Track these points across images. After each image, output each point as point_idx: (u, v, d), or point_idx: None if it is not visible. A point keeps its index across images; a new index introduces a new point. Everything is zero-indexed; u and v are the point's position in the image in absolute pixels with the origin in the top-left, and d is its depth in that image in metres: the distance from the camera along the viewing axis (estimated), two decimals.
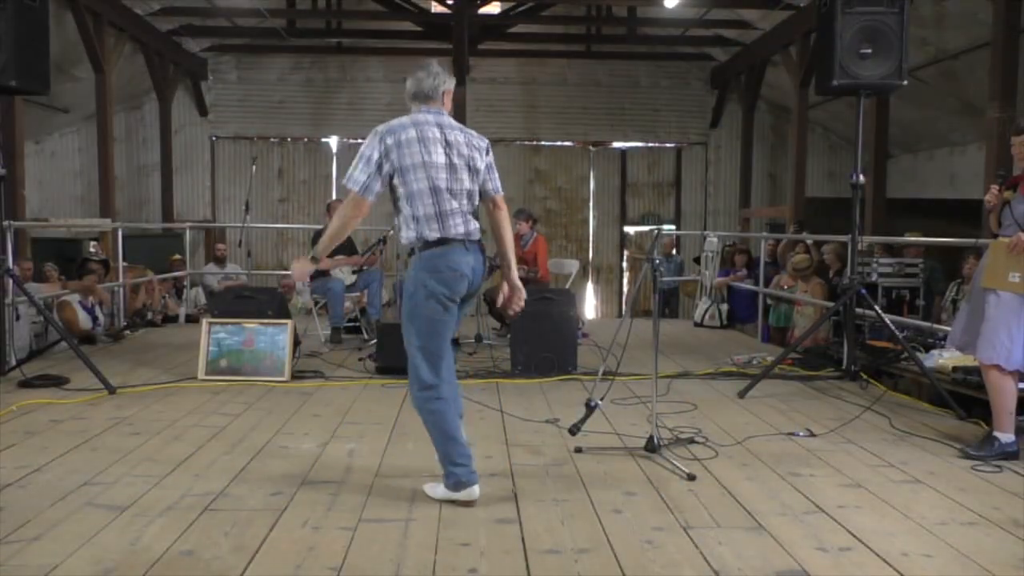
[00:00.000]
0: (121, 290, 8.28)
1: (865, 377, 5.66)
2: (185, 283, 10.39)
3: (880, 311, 5.65)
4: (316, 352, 6.78)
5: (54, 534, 2.86)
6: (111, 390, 5.15)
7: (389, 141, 3.25)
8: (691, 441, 4.15)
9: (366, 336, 7.51)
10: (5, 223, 5.75)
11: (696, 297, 10.22)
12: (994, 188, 4.10)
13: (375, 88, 15.10)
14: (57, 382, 5.38)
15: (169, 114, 14.02)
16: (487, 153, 3.45)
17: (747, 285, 9.06)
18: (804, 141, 11.95)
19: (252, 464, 3.73)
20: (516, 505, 3.23)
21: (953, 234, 7.23)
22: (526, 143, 15.57)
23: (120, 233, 8.52)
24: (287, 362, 5.68)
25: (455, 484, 3.22)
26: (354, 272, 7.69)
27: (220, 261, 11.14)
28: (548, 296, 6.33)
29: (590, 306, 15.50)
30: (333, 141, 15.38)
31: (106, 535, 2.86)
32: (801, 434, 4.36)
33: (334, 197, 14.32)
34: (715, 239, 9.92)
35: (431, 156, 3.26)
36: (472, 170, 3.36)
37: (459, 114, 11.35)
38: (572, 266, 9.55)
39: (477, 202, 3.41)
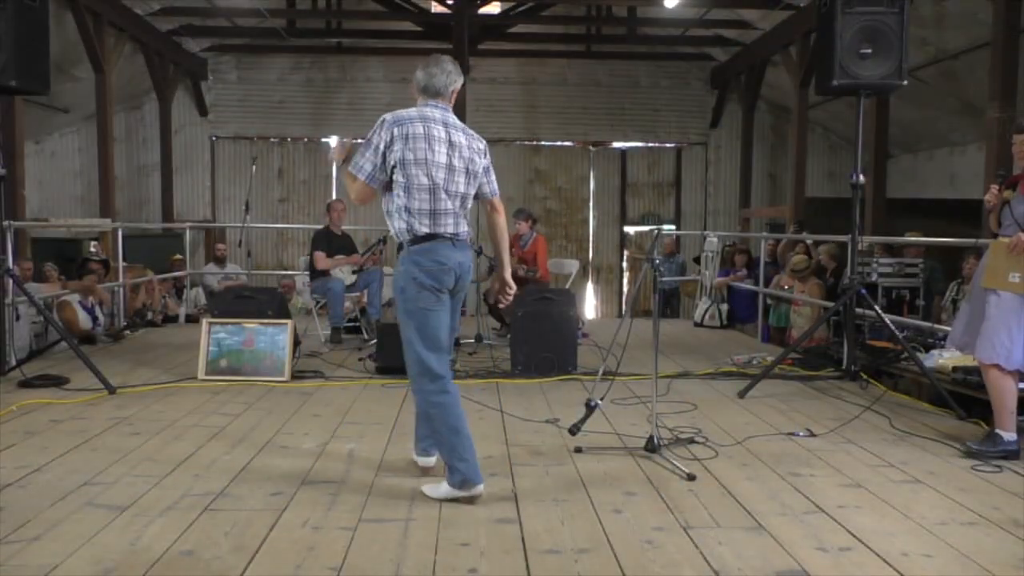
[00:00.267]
0: (121, 290, 8.29)
1: (865, 377, 5.65)
2: (185, 283, 10.39)
3: (880, 311, 5.65)
4: (316, 352, 6.78)
5: (54, 534, 2.86)
6: (111, 390, 5.15)
7: (396, 132, 3.30)
8: (691, 441, 4.15)
9: (366, 336, 7.51)
10: (5, 223, 5.75)
11: (696, 297, 10.22)
12: (994, 188, 4.10)
13: (375, 88, 15.10)
14: (57, 382, 5.38)
15: (169, 114, 14.02)
16: (485, 155, 3.48)
17: (747, 285, 9.06)
18: (804, 141, 11.95)
19: (252, 464, 3.73)
20: (516, 505, 3.23)
21: (953, 234, 7.23)
22: (526, 143, 15.57)
23: (120, 233, 8.52)
24: (287, 362, 5.68)
25: (461, 482, 3.21)
26: (354, 272, 7.69)
27: (220, 261, 11.14)
28: (548, 296, 6.33)
29: (590, 306, 15.51)
30: (333, 141, 15.33)
31: (106, 535, 2.86)
32: (801, 434, 4.36)
33: (334, 197, 14.34)
34: (715, 239, 9.92)
35: (434, 155, 3.30)
36: (470, 174, 3.40)
37: (459, 114, 11.18)
38: (572, 266, 9.55)
39: (470, 205, 3.45)
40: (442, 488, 3.27)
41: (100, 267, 8.34)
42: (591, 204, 15.78)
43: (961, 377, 4.99)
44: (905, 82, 5.30)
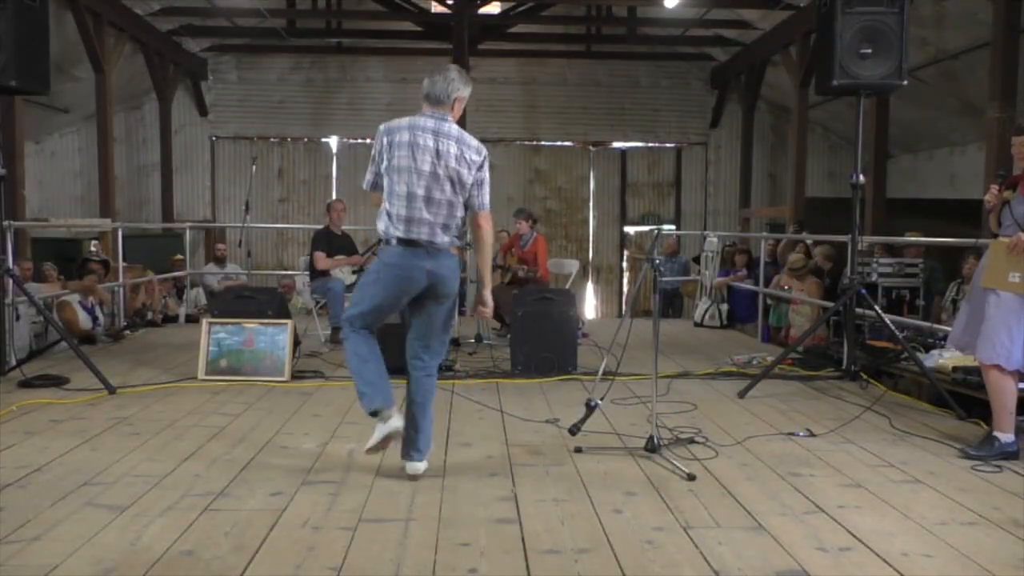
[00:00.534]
0: (121, 290, 8.29)
1: (865, 377, 5.65)
2: (185, 283, 10.39)
3: (880, 311, 5.64)
4: (316, 352, 6.78)
5: (54, 534, 2.86)
6: (111, 390, 5.15)
7: (385, 140, 3.46)
8: (691, 441, 4.15)
9: None
10: (5, 223, 5.74)
11: (696, 297, 10.22)
12: (994, 188, 4.10)
13: (375, 88, 15.11)
14: (57, 382, 5.37)
15: (169, 114, 14.03)
16: (479, 168, 3.47)
17: (747, 285, 9.06)
18: (804, 141, 11.96)
19: (252, 464, 3.73)
20: (516, 505, 3.23)
21: (953, 234, 7.23)
22: (526, 143, 15.57)
23: (120, 233, 8.52)
24: (287, 362, 5.68)
25: (372, 412, 3.43)
26: (354, 272, 7.69)
27: (220, 261, 11.14)
28: (548, 296, 6.33)
29: (590, 306, 15.51)
30: (333, 141, 15.39)
31: (106, 535, 2.86)
32: (801, 434, 4.36)
33: (334, 197, 14.34)
34: (715, 239, 9.92)
35: (417, 163, 3.40)
36: (457, 183, 3.44)
37: (459, 114, 11.24)
38: (572, 266, 9.55)
39: (461, 213, 3.50)
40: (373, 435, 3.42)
41: (100, 267, 8.34)
42: (591, 204, 15.78)
43: (961, 377, 4.98)
44: (905, 82, 5.30)
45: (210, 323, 5.81)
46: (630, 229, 15.82)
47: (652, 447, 3.87)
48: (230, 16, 13.34)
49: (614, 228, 15.81)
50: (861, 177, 5.55)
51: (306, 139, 15.37)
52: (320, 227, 7.96)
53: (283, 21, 13.81)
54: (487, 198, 3.53)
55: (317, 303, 7.91)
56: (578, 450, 3.97)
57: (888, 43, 5.23)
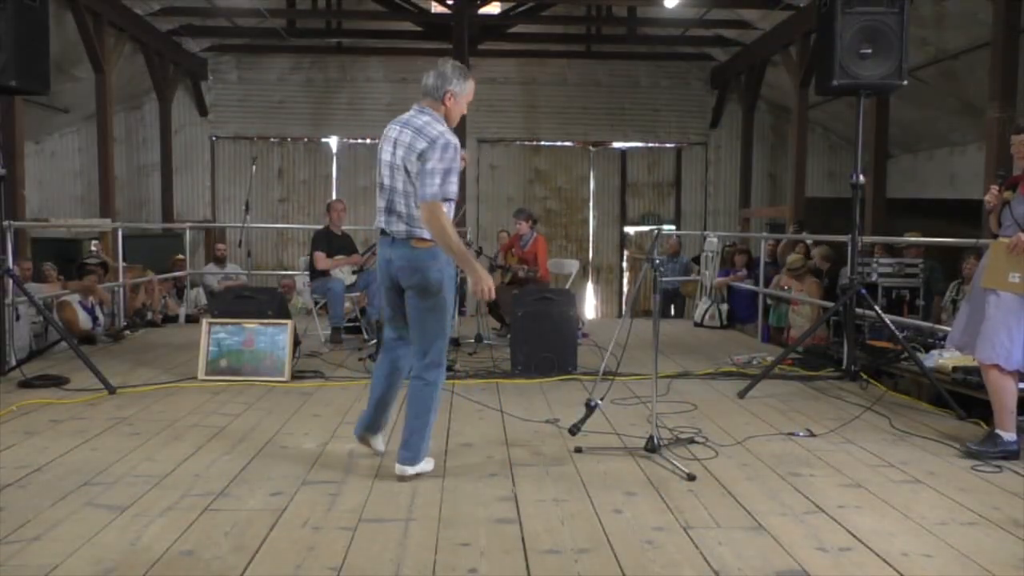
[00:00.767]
0: (121, 290, 8.29)
1: (865, 377, 5.65)
2: (186, 283, 10.40)
3: (880, 311, 5.64)
4: (316, 352, 6.78)
5: (54, 534, 2.86)
6: (111, 390, 5.15)
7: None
8: (691, 441, 4.15)
9: (366, 336, 7.51)
10: (5, 223, 5.74)
11: (696, 297, 10.22)
12: (994, 188, 4.10)
13: (375, 88, 15.11)
14: (57, 382, 5.37)
15: (169, 114, 14.03)
16: (419, 156, 3.36)
17: (747, 285, 9.06)
18: (804, 141, 11.96)
19: (252, 464, 3.73)
20: (516, 505, 3.23)
21: (953, 234, 7.23)
22: (526, 143, 15.58)
23: (120, 233, 8.52)
24: (287, 362, 5.68)
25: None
26: (354, 272, 7.69)
27: (220, 261, 11.14)
28: (548, 296, 6.33)
29: (590, 306, 15.51)
30: (333, 141, 15.39)
31: (106, 535, 2.86)
32: (801, 434, 4.36)
33: (334, 197, 14.34)
34: (715, 239, 9.92)
35: (383, 154, 3.53)
36: (407, 171, 3.43)
37: None
38: (572, 266, 9.55)
39: (417, 202, 3.40)
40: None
41: (99, 269, 8.34)
42: (591, 204, 15.78)
43: (961, 377, 4.99)
44: (905, 82, 5.30)
45: (210, 323, 5.81)
46: (630, 229, 15.82)
47: (652, 447, 3.87)
48: (230, 16, 13.34)
49: (614, 228, 15.81)
50: (861, 177, 5.55)
51: (306, 139, 15.37)
52: (320, 227, 7.96)
53: (283, 21, 13.82)
54: (429, 188, 3.32)
55: (317, 303, 7.91)
56: (578, 450, 3.97)
57: (888, 43, 5.23)
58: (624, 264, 15.83)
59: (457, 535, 2.90)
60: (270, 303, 6.08)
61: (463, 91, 3.53)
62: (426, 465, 3.58)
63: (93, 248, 10.30)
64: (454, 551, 2.77)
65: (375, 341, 6.36)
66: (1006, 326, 3.89)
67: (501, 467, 3.73)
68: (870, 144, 10.17)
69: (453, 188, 3.41)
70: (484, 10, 13.97)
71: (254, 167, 10.83)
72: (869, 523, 3.08)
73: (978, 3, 8.55)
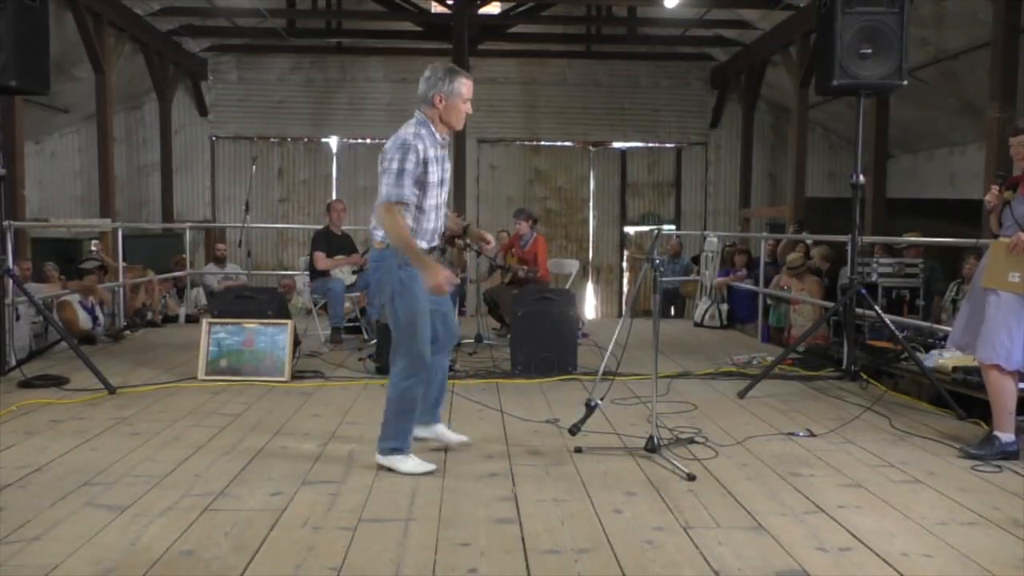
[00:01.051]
0: (121, 290, 8.29)
1: (865, 377, 5.65)
2: (186, 283, 10.39)
3: (880, 311, 5.64)
4: (316, 352, 6.78)
5: (54, 534, 2.86)
6: (111, 390, 5.15)
7: None
8: (691, 441, 4.15)
9: (366, 336, 7.51)
10: (5, 223, 5.74)
11: (696, 297, 10.23)
12: (994, 189, 4.10)
13: (375, 88, 15.11)
14: (57, 382, 5.37)
15: (169, 114, 14.03)
16: (382, 158, 3.50)
17: (747, 285, 9.06)
18: (804, 141, 11.96)
19: (252, 464, 3.73)
20: (516, 505, 3.23)
21: (953, 234, 7.23)
22: (526, 143, 15.58)
23: (120, 233, 8.52)
24: (287, 362, 5.68)
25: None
26: (354, 272, 7.69)
27: (220, 261, 11.13)
28: (548, 296, 6.33)
29: (590, 306, 15.51)
30: (333, 141, 15.39)
31: (106, 535, 2.86)
32: (801, 434, 4.36)
33: (334, 197, 14.34)
34: (715, 239, 9.92)
35: None
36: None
37: None
38: (572, 266, 9.55)
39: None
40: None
41: (99, 271, 8.33)
42: (591, 204, 15.79)
43: (961, 377, 4.98)
44: (905, 82, 5.29)
45: (210, 323, 5.81)
46: (630, 229, 15.82)
47: (652, 447, 3.87)
48: (230, 16, 13.35)
49: (614, 228, 15.81)
50: (861, 177, 5.55)
51: (306, 139, 15.38)
52: (320, 227, 7.96)
53: (283, 21, 13.82)
54: (384, 188, 3.43)
55: (317, 303, 7.91)
56: (578, 450, 3.97)
57: (888, 43, 5.23)
58: (624, 264, 15.83)
59: (457, 535, 2.90)
60: (270, 303, 6.09)
61: (453, 89, 3.52)
62: (402, 463, 3.57)
63: (93, 248, 10.30)
64: (454, 551, 2.77)
65: (375, 341, 6.36)
66: (1006, 326, 3.89)
67: (501, 467, 3.73)
68: (870, 144, 10.17)
69: (404, 191, 3.42)
70: (484, 10, 13.97)
71: (254, 167, 10.84)
72: (869, 523, 3.07)
73: (978, 3, 8.55)
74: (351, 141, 15.21)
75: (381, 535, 2.90)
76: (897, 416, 4.74)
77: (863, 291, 5.53)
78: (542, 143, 15.63)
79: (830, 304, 6.58)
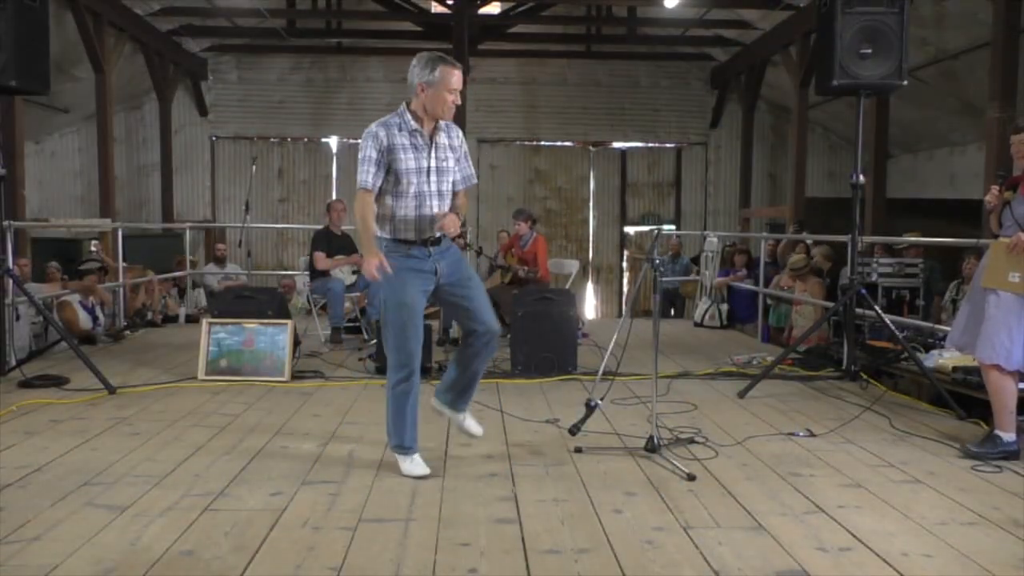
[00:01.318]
0: (121, 290, 8.29)
1: (865, 377, 5.65)
2: (187, 283, 10.39)
3: (880, 311, 5.64)
4: (316, 352, 6.78)
5: (54, 534, 2.86)
6: (111, 390, 5.15)
7: None
8: (691, 441, 4.15)
9: (366, 336, 7.50)
10: (5, 223, 5.74)
11: (696, 297, 10.23)
12: (994, 189, 4.10)
13: (375, 88, 15.11)
14: (57, 382, 5.37)
15: (169, 114, 14.03)
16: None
17: (747, 285, 9.06)
18: (804, 141, 11.96)
19: (252, 464, 3.73)
20: (516, 505, 3.23)
21: (953, 234, 7.23)
22: (526, 143, 15.58)
23: (120, 233, 8.52)
24: (287, 362, 5.68)
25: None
26: (354, 272, 7.69)
27: (220, 261, 11.13)
28: (548, 296, 6.33)
29: (590, 306, 15.51)
30: (333, 141, 15.40)
31: (106, 535, 2.86)
32: (801, 434, 4.36)
33: (334, 197, 14.34)
34: (715, 239, 9.92)
35: None
36: None
37: (459, 114, 11.24)
38: (572, 266, 9.55)
39: (383, 204, 3.57)
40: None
41: (100, 273, 8.32)
42: (591, 204, 15.79)
43: (961, 377, 4.98)
44: (905, 82, 5.29)
45: (210, 323, 5.81)
46: (630, 229, 15.83)
47: (652, 447, 3.87)
48: (230, 16, 13.35)
49: (614, 228, 15.82)
50: (861, 177, 5.55)
51: (306, 139, 15.38)
52: (320, 227, 7.96)
53: (283, 21, 13.82)
54: (358, 175, 3.54)
55: (317, 303, 7.91)
56: (578, 450, 3.97)
57: (888, 43, 5.23)
58: (624, 264, 15.83)
59: (457, 535, 2.90)
60: (270, 303, 6.09)
61: (434, 78, 3.46)
62: (402, 463, 3.57)
63: (93, 248, 10.30)
64: (454, 551, 2.77)
65: (375, 341, 6.36)
66: (1006, 326, 3.89)
67: (501, 467, 3.73)
68: (870, 144, 10.17)
69: (364, 178, 3.51)
70: (484, 10, 13.97)
71: (254, 167, 10.84)
72: (869, 523, 3.07)
73: (978, 3, 8.55)
74: (351, 141, 15.20)
75: (381, 535, 2.90)
76: (897, 416, 4.73)
77: (863, 291, 5.53)
78: (542, 143, 15.64)
79: (831, 304, 6.58)
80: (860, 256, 5.96)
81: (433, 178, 3.57)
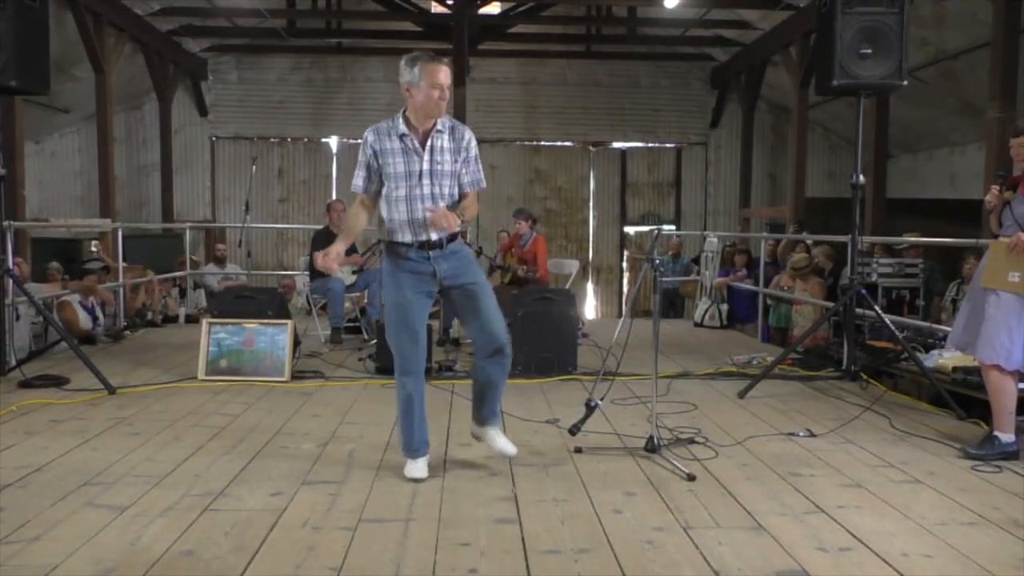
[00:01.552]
0: (121, 290, 8.28)
1: (865, 377, 5.65)
2: (187, 284, 10.39)
3: (880, 311, 5.64)
4: (316, 352, 6.78)
5: (54, 534, 2.86)
6: (111, 390, 5.15)
7: None
8: (691, 441, 4.15)
9: (366, 336, 7.51)
10: (5, 223, 5.74)
11: (696, 297, 10.23)
12: (994, 189, 4.10)
13: (375, 88, 15.11)
14: (57, 382, 5.37)
15: (169, 114, 14.04)
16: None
17: (747, 285, 9.06)
18: (804, 141, 11.96)
19: (252, 464, 3.73)
20: (516, 505, 3.23)
21: (953, 234, 7.23)
22: (526, 143, 15.58)
23: (120, 233, 8.51)
24: (287, 362, 5.68)
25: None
26: (354, 272, 7.69)
27: (220, 261, 11.13)
28: (548, 296, 6.33)
29: (590, 306, 15.51)
30: (333, 141, 15.40)
31: (106, 535, 2.86)
32: (801, 434, 4.36)
33: (334, 197, 14.34)
34: (715, 239, 9.92)
35: None
36: None
37: (459, 114, 11.38)
38: (572, 266, 9.55)
39: (383, 208, 3.64)
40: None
41: (101, 273, 8.32)
42: (591, 204, 15.79)
43: (961, 377, 4.98)
44: (905, 82, 5.29)
45: (210, 323, 5.81)
46: (630, 229, 15.83)
47: (652, 447, 3.87)
48: (230, 16, 13.35)
49: (614, 228, 15.82)
50: (861, 177, 5.55)
51: (306, 139, 15.38)
52: (320, 227, 7.96)
53: (283, 21, 13.82)
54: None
55: (317, 303, 7.91)
56: (578, 450, 3.97)
57: (888, 43, 5.23)
58: (624, 264, 15.83)
59: (457, 535, 2.90)
60: (270, 303, 6.09)
61: (416, 76, 3.42)
62: (408, 464, 3.55)
63: (93, 248, 10.31)
64: (454, 551, 2.77)
65: (375, 341, 6.36)
66: (1006, 326, 3.89)
67: (501, 467, 3.73)
68: (870, 144, 10.18)
69: (356, 181, 3.64)
70: (484, 10, 13.97)
71: (254, 167, 10.84)
72: (869, 523, 3.07)
73: (978, 3, 8.55)
74: (351, 141, 15.20)
75: (381, 535, 2.90)
76: (897, 416, 4.73)
77: (863, 291, 5.53)
78: (542, 143, 15.64)
79: (831, 304, 6.58)
80: (860, 256, 5.96)
81: (426, 181, 3.51)
